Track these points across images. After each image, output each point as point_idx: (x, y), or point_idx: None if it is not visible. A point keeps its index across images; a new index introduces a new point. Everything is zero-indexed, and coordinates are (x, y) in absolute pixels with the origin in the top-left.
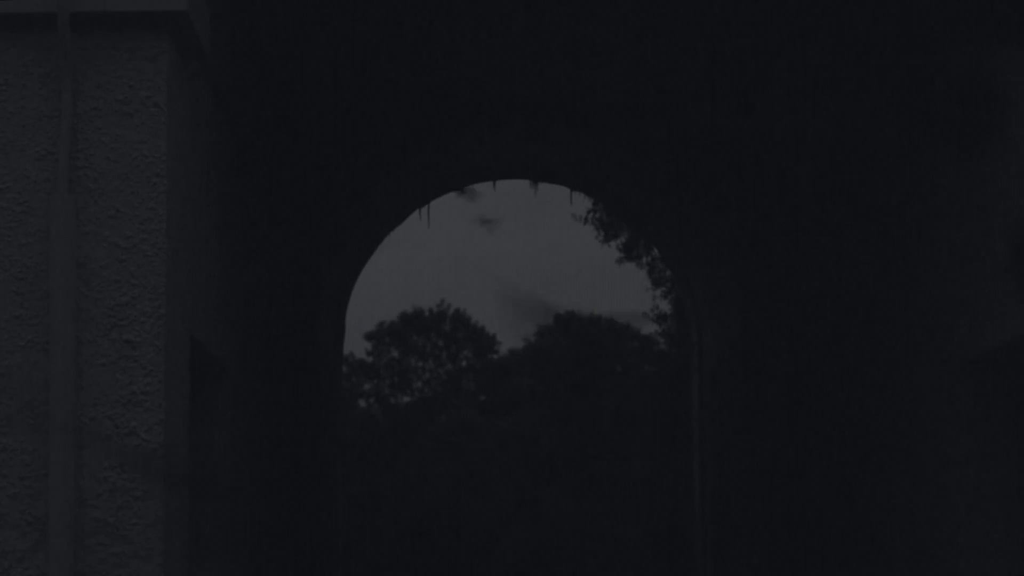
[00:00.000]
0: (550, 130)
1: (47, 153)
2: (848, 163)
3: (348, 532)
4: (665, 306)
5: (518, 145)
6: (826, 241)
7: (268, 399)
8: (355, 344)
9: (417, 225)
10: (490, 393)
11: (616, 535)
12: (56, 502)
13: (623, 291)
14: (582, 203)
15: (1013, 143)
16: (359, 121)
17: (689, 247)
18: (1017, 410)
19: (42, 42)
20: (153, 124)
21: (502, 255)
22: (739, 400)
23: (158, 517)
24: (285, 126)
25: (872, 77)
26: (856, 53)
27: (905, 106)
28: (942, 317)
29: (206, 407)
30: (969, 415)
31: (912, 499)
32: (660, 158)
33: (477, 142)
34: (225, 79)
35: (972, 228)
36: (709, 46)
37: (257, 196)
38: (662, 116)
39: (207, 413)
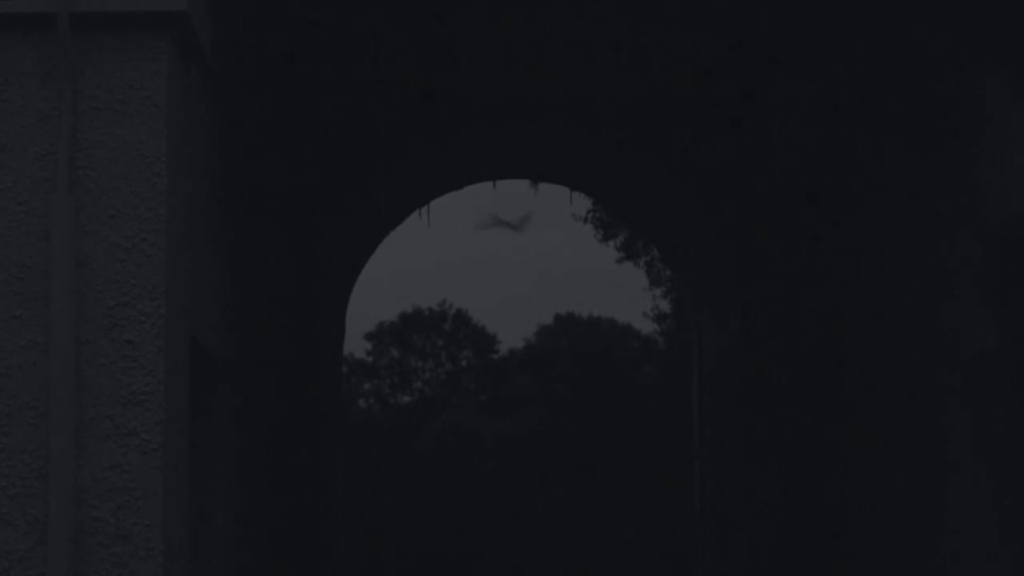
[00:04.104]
0: (550, 130)
1: (47, 153)
2: (848, 163)
3: (348, 532)
4: (665, 306)
5: (518, 145)
6: (826, 241)
7: (268, 399)
8: (355, 344)
9: (417, 225)
10: (490, 393)
11: (616, 535)
12: (56, 502)
13: (623, 291)
14: (582, 203)
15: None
16: (359, 121)
17: (689, 247)
18: (1017, 410)
19: (42, 42)
20: (153, 124)
21: (501, 255)
22: (739, 400)
23: (158, 517)
24: (285, 125)
25: (864, 80)
26: (850, 57)
27: (893, 111)
28: (942, 317)
29: (206, 407)
30: (969, 415)
31: (912, 499)
32: (660, 158)
33: (477, 142)
34: (225, 79)
35: (967, 229)
36: (708, 46)
37: (257, 196)
38: (662, 116)
39: (207, 413)
